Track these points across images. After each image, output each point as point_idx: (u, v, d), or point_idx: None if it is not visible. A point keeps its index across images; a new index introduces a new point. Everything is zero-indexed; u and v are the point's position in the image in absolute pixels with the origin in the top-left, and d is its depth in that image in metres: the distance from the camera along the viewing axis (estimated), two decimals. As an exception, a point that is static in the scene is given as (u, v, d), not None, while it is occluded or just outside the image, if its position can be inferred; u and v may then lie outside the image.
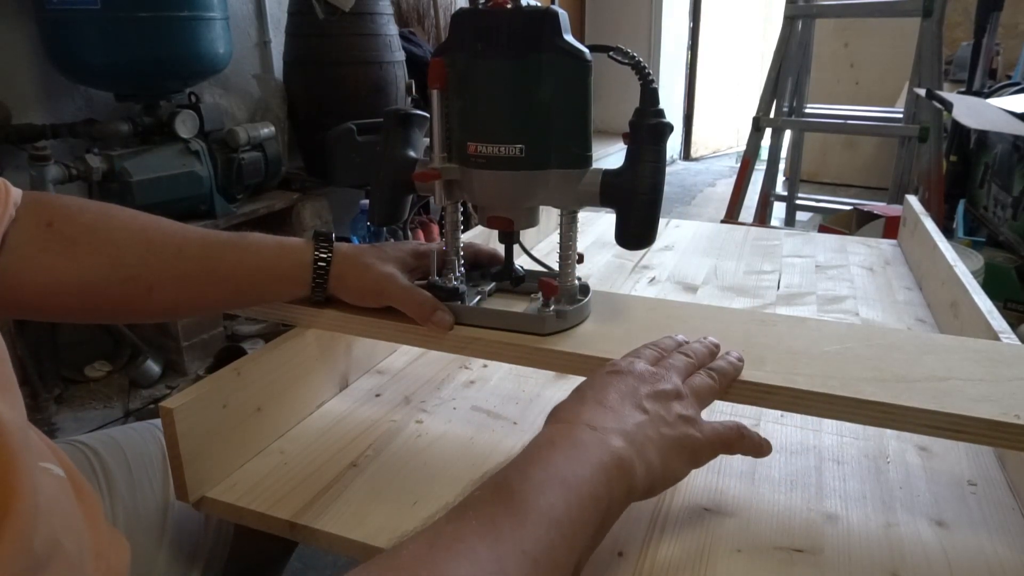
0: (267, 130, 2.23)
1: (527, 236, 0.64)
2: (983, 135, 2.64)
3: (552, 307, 0.56)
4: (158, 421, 0.52)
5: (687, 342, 0.53)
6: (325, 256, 0.57)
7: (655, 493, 0.44)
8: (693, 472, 0.55)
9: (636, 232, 0.55)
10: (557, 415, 0.45)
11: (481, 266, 0.65)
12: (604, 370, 0.49)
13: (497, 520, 0.36)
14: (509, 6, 0.52)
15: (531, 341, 0.55)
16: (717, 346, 0.53)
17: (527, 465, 0.39)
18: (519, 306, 0.59)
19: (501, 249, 0.63)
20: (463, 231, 0.63)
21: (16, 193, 0.52)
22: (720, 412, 0.64)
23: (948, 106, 2.10)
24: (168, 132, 2.01)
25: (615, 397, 0.45)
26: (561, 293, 0.58)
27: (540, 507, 0.37)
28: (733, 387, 0.50)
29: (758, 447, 0.49)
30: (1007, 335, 0.62)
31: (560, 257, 0.59)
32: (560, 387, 0.69)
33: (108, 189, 1.86)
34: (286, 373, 0.60)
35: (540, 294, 0.58)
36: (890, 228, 1.88)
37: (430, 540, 0.35)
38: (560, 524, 0.37)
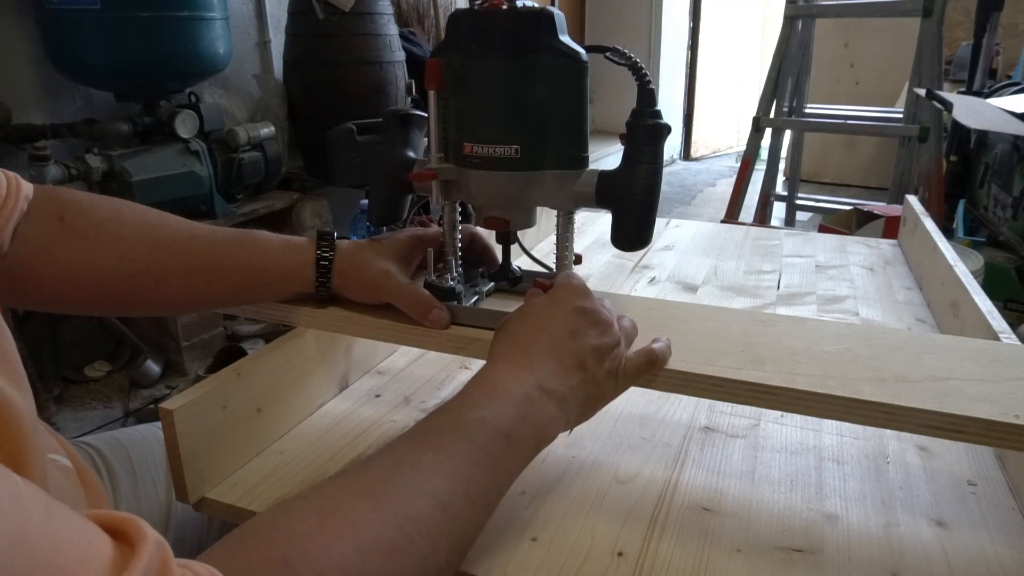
0: (267, 130, 2.23)
1: (527, 236, 0.64)
2: (983, 135, 2.64)
3: None
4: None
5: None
6: (328, 255, 0.58)
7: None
8: (693, 472, 0.56)
9: (631, 234, 0.55)
10: (514, 350, 0.49)
11: (474, 252, 0.65)
12: (562, 296, 0.51)
13: (452, 458, 0.41)
14: (504, 7, 0.52)
15: None
16: None
17: (482, 408, 0.44)
18: (516, 307, 0.59)
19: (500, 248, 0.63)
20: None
21: (27, 187, 0.53)
22: (720, 411, 0.64)
23: (948, 106, 2.10)
24: (168, 132, 2.01)
25: (566, 348, 0.48)
26: None
27: (487, 453, 0.42)
28: (733, 387, 0.50)
29: (665, 359, 0.52)
30: (1007, 335, 0.62)
31: (557, 258, 0.59)
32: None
33: (108, 189, 1.86)
34: (286, 374, 0.60)
35: None
36: (890, 228, 1.88)
37: (395, 467, 0.40)
38: (496, 471, 0.43)
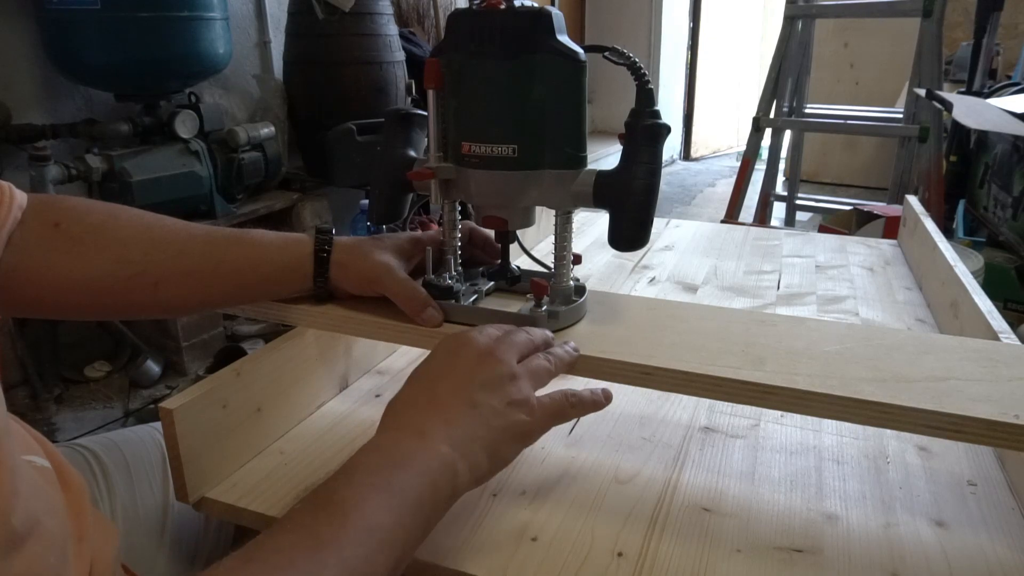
0: (267, 130, 2.23)
1: (527, 236, 0.64)
2: (983, 135, 2.64)
3: (545, 307, 0.56)
4: (158, 424, 0.52)
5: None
6: (326, 247, 0.58)
7: (483, 483, 0.45)
8: (693, 472, 0.56)
9: (628, 234, 0.55)
10: (388, 420, 0.46)
11: (475, 247, 0.65)
12: (442, 352, 0.50)
13: (317, 528, 0.37)
14: (503, 7, 0.52)
15: None
16: (553, 339, 0.54)
17: (352, 472, 0.41)
18: (514, 306, 0.59)
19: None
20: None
21: (21, 196, 0.53)
22: (720, 411, 0.64)
23: (948, 106, 2.10)
24: (168, 132, 2.01)
25: (446, 392, 0.46)
26: (555, 294, 0.58)
27: (361, 513, 0.38)
28: (733, 387, 0.50)
29: (595, 404, 0.51)
30: (1007, 335, 0.62)
31: (555, 258, 0.59)
32: (560, 387, 0.69)
33: (108, 189, 1.86)
34: (286, 373, 0.60)
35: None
36: (890, 228, 1.88)
37: (249, 554, 0.35)
38: (380, 530, 0.38)
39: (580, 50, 0.53)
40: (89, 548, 0.46)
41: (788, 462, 0.57)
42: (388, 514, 0.39)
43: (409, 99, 0.64)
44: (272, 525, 0.38)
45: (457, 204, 0.61)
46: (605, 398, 0.52)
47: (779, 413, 0.63)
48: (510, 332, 0.52)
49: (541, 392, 0.49)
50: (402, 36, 2.59)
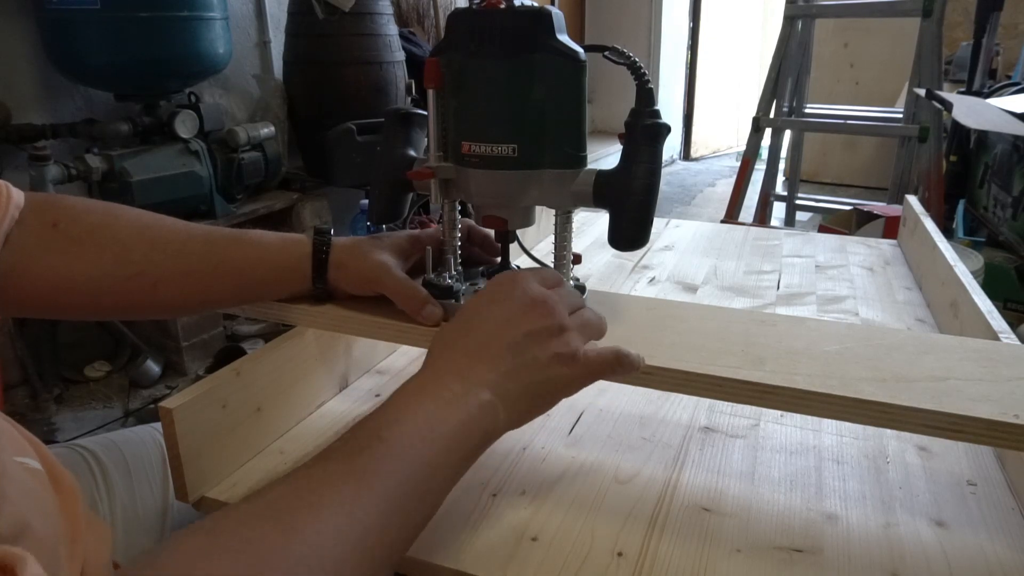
0: (267, 130, 2.24)
1: (527, 235, 0.64)
2: (983, 135, 2.64)
3: None
4: (158, 424, 0.52)
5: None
6: (325, 248, 0.58)
7: (516, 427, 0.46)
8: (693, 472, 0.56)
9: (628, 234, 0.55)
10: (435, 356, 0.47)
11: (474, 244, 0.65)
12: (495, 291, 0.49)
13: (361, 463, 0.38)
14: (502, 6, 0.52)
15: None
16: None
17: (395, 411, 0.42)
18: None
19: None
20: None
21: (18, 195, 0.53)
22: (720, 411, 0.64)
23: (948, 106, 2.10)
24: (168, 132, 2.01)
25: (493, 337, 0.46)
26: None
27: (401, 454, 0.39)
28: (733, 386, 0.49)
29: (635, 367, 0.50)
30: (1007, 335, 0.62)
31: (555, 258, 0.59)
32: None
33: (108, 189, 1.86)
34: (286, 373, 0.60)
35: None
36: (890, 228, 1.88)
37: (296, 482, 0.37)
38: (419, 470, 0.40)
39: (580, 50, 0.53)
40: (82, 549, 0.46)
41: (788, 462, 0.57)
42: (427, 454, 0.40)
43: (409, 99, 0.64)
44: (321, 452, 0.40)
45: (457, 204, 0.61)
46: (638, 364, 0.51)
47: (779, 413, 0.63)
48: (563, 284, 0.52)
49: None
50: (402, 36, 2.59)
